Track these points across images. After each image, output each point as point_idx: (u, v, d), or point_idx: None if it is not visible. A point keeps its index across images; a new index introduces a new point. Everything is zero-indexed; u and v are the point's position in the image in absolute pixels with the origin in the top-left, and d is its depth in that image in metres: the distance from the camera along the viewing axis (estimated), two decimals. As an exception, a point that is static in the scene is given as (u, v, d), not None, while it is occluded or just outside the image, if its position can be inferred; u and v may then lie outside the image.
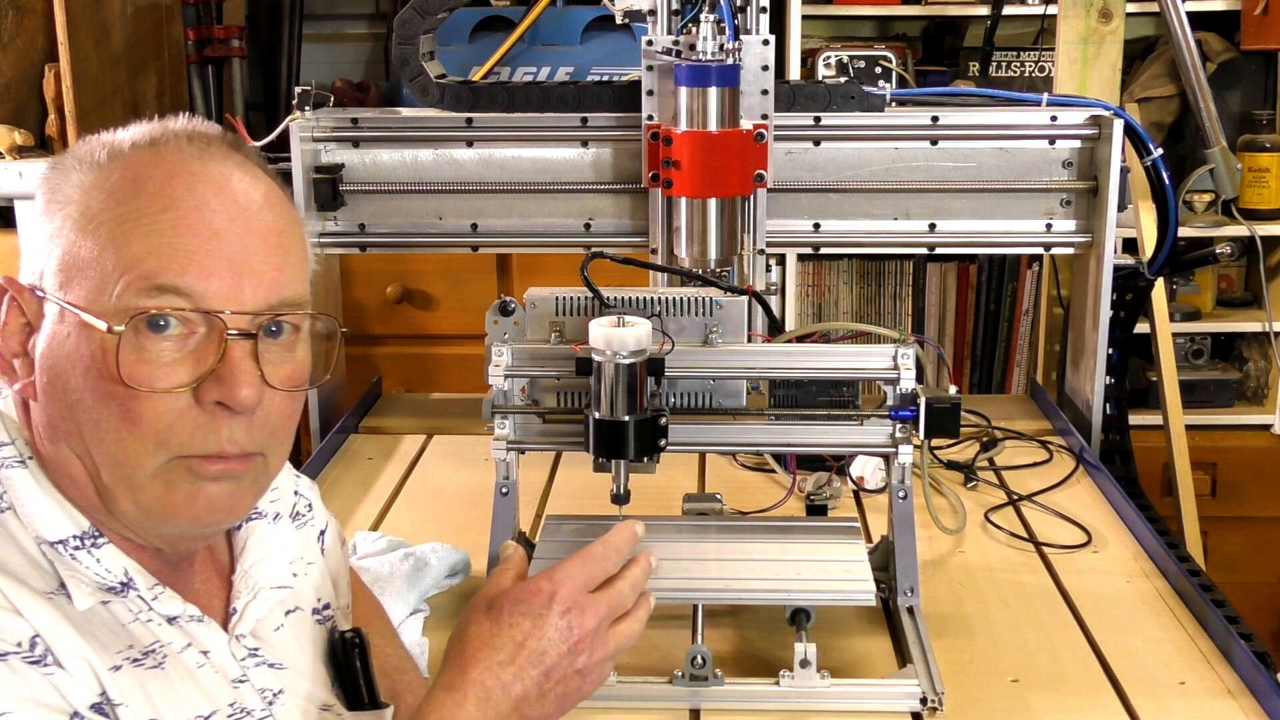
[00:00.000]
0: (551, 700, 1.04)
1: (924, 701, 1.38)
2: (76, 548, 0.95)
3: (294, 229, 1.01)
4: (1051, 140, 2.14)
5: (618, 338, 1.42)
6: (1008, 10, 3.24)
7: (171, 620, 0.98)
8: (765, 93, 2.05)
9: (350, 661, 1.13)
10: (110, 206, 0.93)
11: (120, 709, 0.90)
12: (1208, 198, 3.19)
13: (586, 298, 1.56)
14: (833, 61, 3.20)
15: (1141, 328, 2.42)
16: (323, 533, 1.22)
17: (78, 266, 0.93)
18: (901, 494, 1.55)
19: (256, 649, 1.04)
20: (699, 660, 1.39)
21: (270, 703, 1.03)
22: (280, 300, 0.97)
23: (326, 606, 1.17)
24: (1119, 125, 2.05)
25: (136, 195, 0.93)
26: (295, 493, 1.21)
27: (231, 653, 1.02)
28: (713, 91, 1.94)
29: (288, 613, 1.11)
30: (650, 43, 2.03)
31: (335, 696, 1.12)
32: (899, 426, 1.53)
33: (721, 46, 1.93)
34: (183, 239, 0.93)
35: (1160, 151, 2.12)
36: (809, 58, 3.26)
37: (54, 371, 0.94)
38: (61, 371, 0.94)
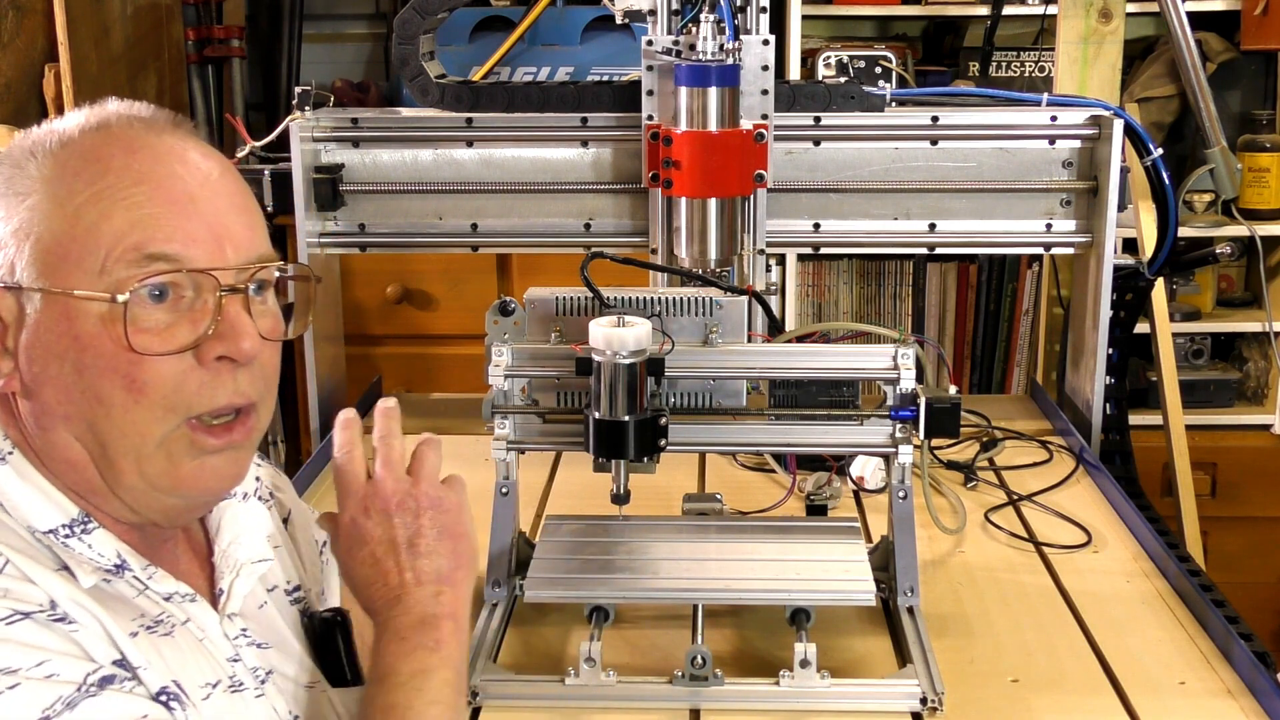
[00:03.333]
0: (436, 539, 1.12)
1: (924, 701, 1.38)
2: (67, 535, 0.96)
3: (250, 192, 1.06)
4: (1051, 140, 2.14)
5: (618, 338, 1.42)
6: (1008, 10, 3.24)
7: (168, 599, 1.01)
8: (765, 93, 2.05)
9: (334, 640, 1.15)
10: (80, 189, 0.95)
11: (141, 671, 0.93)
12: (1208, 198, 3.19)
13: (586, 298, 1.56)
14: (833, 61, 3.20)
15: (1141, 328, 2.43)
16: (286, 520, 1.24)
17: (58, 251, 0.95)
18: (901, 494, 1.55)
19: (245, 629, 1.06)
20: (699, 660, 1.39)
21: (263, 681, 1.04)
22: (257, 257, 1.02)
23: (297, 588, 1.18)
24: (1119, 125, 2.05)
25: (105, 174, 0.96)
26: (255, 478, 1.22)
27: (224, 632, 1.04)
28: (713, 91, 1.94)
29: (269, 589, 1.13)
30: (650, 43, 2.03)
31: (317, 674, 1.13)
32: (899, 426, 1.53)
33: (721, 46, 1.93)
34: (162, 208, 0.96)
35: (1160, 151, 2.12)
36: (809, 58, 3.26)
37: (46, 359, 0.96)
38: (56, 356, 0.95)
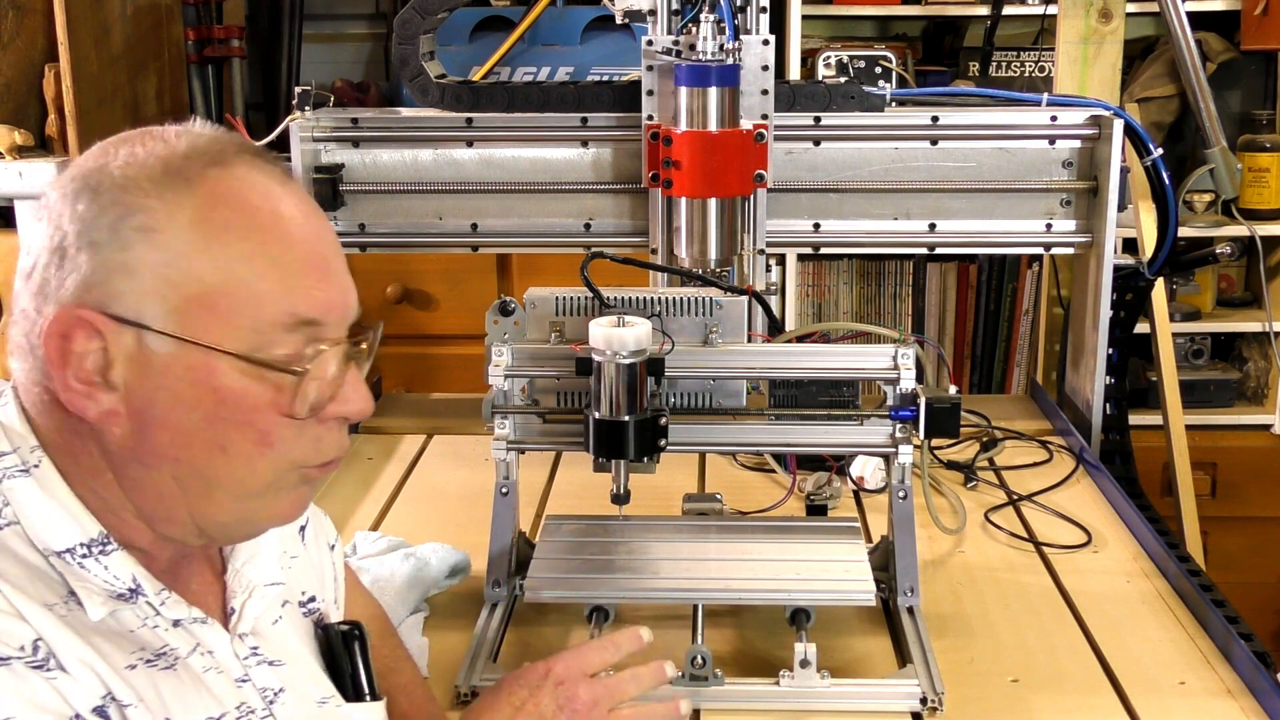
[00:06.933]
0: None
1: (924, 701, 1.38)
2: (84, 555, 0.94)
3: None
4: (1051, 140, 2.14)
5: (618, 338, 1.42)
6: (1008, 10, 3.24)
7: (176, 624, 0.99)
8: (765, 93, 2.05)
9: (350, 654, 1.14)
10: (231, 240, 0.93)
11: (130, 709, 0.91)
12: (1208, 198, 3.19)
13: (586, 298, 1.56)
14: (833, 61, 3.20)
15: (1141, 328, 2.42)
16: (303, 528, 1.23)
17: (205, 302, 0.92)
18: (901, 494, 1.55)
19: (257, 647, 1.05)
20: (699, 660, 1.39)
21: (271, 702, 1.03)
22: (359, 315, 1.03)
23: (312, 599, 1.18)
24: (1119, 125, 2.05)
25: (252, 228, 0.94)
26: None
27: (235, 652, 1.03)
28: (713, 91, 1.94)
29: (283, 604, 1.12)
30: (650, 43, 2.03)
31: (331, 689, 1.12)
32: (899, 426, 1.53)
33: (721, 46, 1.93)
34: (306, 268, 0.96)
35: (1160, 151, 2.12)
36: (809, 58, 3.26)
37: (171, 404, 0.93)
38: (185, 404, 0.93)
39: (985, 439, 2.17)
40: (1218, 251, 2.36)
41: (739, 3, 2.02)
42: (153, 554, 0.99)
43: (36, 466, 0.95)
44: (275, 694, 1.04)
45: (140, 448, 0.94)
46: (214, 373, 0.93)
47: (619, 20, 2.11)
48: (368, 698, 1.14)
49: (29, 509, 0.94)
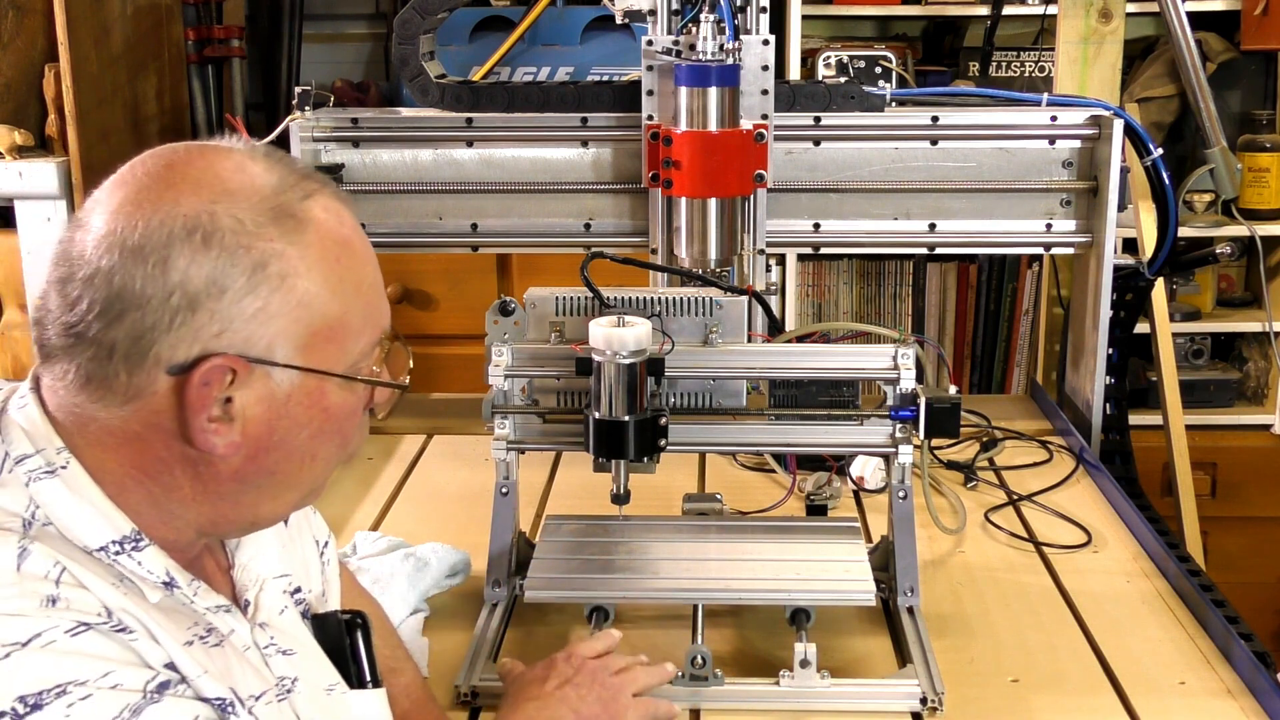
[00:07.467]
0: (592, 701, 1.28)
1: (924, 701, 1.38)
2: (118, 553, 0.95)
3: None
4: (1051, 140, 2.14)
5: (618, 338, 1.42)
6: (1008, 10, 3.24)
7: (209, 611, 1.01)
8: (765, 93, 2.05)
9: (354, 641, 1.15)
10: (345, 276, 0.98)
11: (197, 680, 0.94)
12: (1208, 198, 3.19)
13: (586, 298, 1.56)
14: (833, 61, 3.20)
15: (1141, 328, 2.42)
16: (285, 520, 1.23)
17: (325, 334, 0.97)
18: (901, 494, 1.55)
19: (273, 637, 1.06)
20: (699, 660, 1.39)
21: (288, 690, 1.04)
22: None
23: (298, 590, 1.18)
24: (1119, 125, 2.05)
25: (352, 258, 0.99)
26: None
27: (255, 641, 1.04)
28: (713, 91, 1.94)
29: (283, 591, 1.13)
30: (650, 43, 2.03)
31: (335, 676, 1.13)
32: (899, 426, 1.53)
33: (721, 46, 1.93)
34: (380, 289, 1.04)
35: (1160, 151, 2.12)
36: (809, 58, 3.26)
37: (288, 428, 0.98)
38: (299, 425, 0.98)
39: (985, 439, 2.17)
40: (1218, 251, 2.36)
41: (739, 3, 2.02)
42: (179, 550, 1.01)
43: (64, 468, 0.95)
44: (292, 682, 1.05)
45: (245, 468, 0.98)
46: (325, 394, 0.98)
47: (619, 20, 2.11)
48: (370, 685, 1.14)
49: (59, 510, 0.95)
